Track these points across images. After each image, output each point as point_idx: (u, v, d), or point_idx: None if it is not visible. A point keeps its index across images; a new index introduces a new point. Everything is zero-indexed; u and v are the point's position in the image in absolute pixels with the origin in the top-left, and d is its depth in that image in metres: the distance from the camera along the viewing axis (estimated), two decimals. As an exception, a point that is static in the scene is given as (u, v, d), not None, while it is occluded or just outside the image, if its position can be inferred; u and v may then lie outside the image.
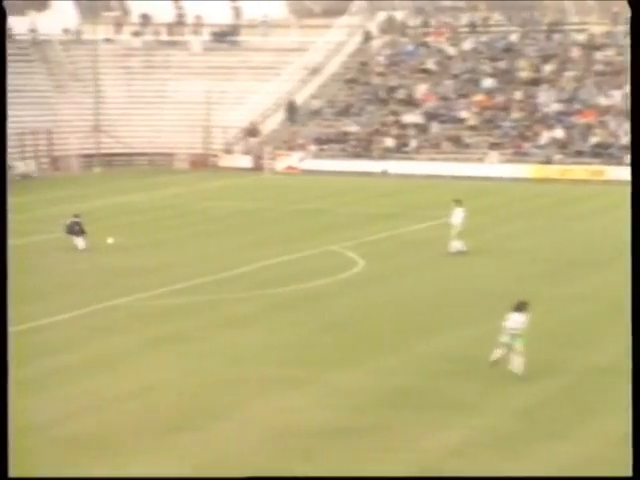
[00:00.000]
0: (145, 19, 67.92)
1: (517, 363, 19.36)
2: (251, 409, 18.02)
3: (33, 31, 64.10)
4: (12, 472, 14.78)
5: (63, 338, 22.79)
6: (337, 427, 17.09)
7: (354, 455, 15.87)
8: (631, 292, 10.30)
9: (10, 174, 53.25)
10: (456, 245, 32.33)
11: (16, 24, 63.82)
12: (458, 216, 32.53)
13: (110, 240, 34.06)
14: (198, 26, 67.01)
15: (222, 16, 67.85)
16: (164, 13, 67.85)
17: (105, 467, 15.38)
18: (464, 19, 66.05)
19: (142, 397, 18.70)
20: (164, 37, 66.64)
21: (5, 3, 10.55)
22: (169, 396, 18.74)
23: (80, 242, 33.64)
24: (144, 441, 16.43)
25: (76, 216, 34.24)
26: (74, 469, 15.27)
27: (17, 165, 54.69)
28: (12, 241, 38.38)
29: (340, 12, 65.95)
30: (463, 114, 58.30)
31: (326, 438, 16.58)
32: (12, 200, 44.86)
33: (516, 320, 19.30)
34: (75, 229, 33.81)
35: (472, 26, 65.16)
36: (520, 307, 19.43)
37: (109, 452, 15.96)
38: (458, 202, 32.89)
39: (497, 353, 19.49)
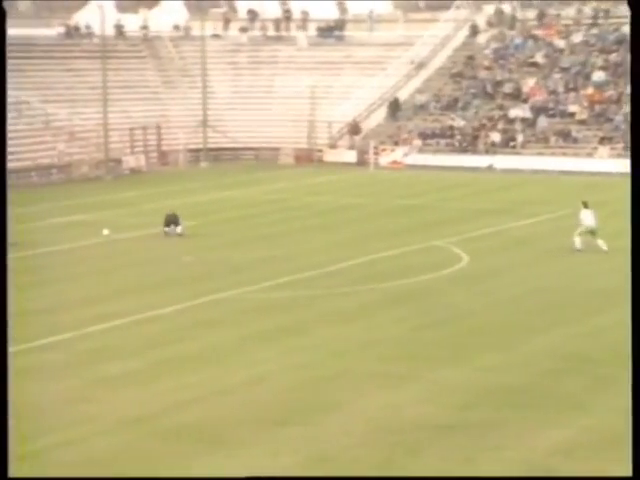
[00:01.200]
0: (252, 15, 68.44)
1: None
2: (355, 404, 18.01)
3: (144, 28, 65.21)
4: (84, 471, 15.03)
5: (170, 330, 23.11)
6: (442, 424, 16.96)
7: (459, 452, 15.72)
8: (631, 289, 10.04)
9: (120, 168, 54.31)
10: (599, 243, 31.35)
11: (128, 21, 65.07)
12: (589, 215, 31.65)
13: (106, 232, 34.67)
14: (304, 21, 67.26)
15: (328, 11, 67.95)
16: (271, 9, 68.28)
17: (210, 459, 15.53)
18: (574, 11, 64.84)
19: (247, 390, 18.85)
20: (271, 33, 67.06)
21: (5, 3, 10.70)
22: (274, 389, 18.85)
23: (179, 229, 34.62)
24: (249, 434, 16.54)
25: (171, 212, 35.21)
26: (179, 460, 15.47)
27: (127, 160, 55.67)
28: (121, 235, 39.44)
29: (446, 6, 65.40)
30: (572, 108, 57.27)
31: (431, 434, 16.47)
32: (122, 195, 46.12)
33: None
34: (172, 222, 34.89)
35: (583, 18, 63.94)
36: None
37: (214, 444, 16.12)
38: (585, 204, 32.09)
39: None
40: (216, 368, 20.12)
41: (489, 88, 60.13)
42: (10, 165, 59.77)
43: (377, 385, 19.03)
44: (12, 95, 54.65)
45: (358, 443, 16.10)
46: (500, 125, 57.20)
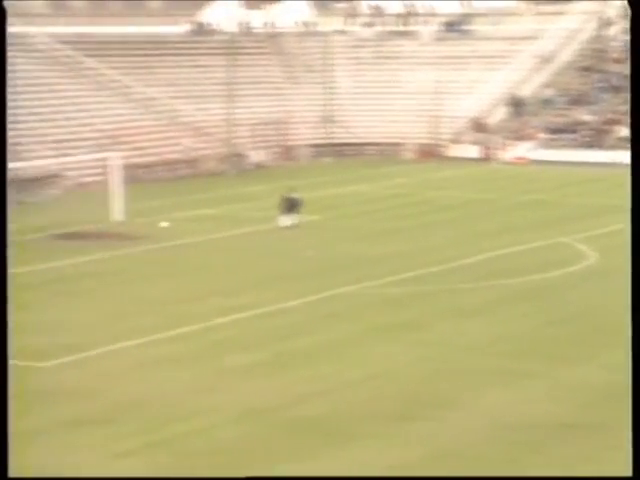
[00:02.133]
0: (376, 10, 68.49)
1: None
2: (478, 400, 17.92)
3: (269, 24, 65.93)
4: (209, 460, 15.25)
5: (294, 324, 23.36)
6: (565, 422, 16.75)
7: (582, 451, 15.51)
8: (631, 288, 10.00)
9: (244, 163, 55.03)
10: None
11: (253, 18, 65.89)
12: None
13: (164, 224, 35.13)
14: (428, 16, 66.97)
15: (453, 5, 67.50)
16: (394, 4, 68.18)
17: (332, 452, 15.65)
18: None
19: (369, 384, 18.94)
20: (394, 27, 66.97)
21: (6, 3, 11.02)
22: (396, 384, 18.90)
23: (293, 219, 35.10)
24: (370, 428, 16.62)
25: (291, 192, 35.73)
26: (302, 452, 15.63)
27: (251, 154, 56.36)
28: (245, 229, 39.81)
29: (575, -2, 64.26)
30: None
31: (555, 433, 16.27)
32: (246, 189, 46.50)
33: None
34: (289, 206, 35.42)
35: None
36: None
37: (335, 437, 16.24)
38: None
39: None
40: (339, 362, 20.26)
41: (618, 82, 58.85)
42: (138, 160, 60.82)
43: (500, 381, 18.89)
44: (139, 92, 55.97)
45: (481, 440, 16.02)
46: (629, 120, 55.94)
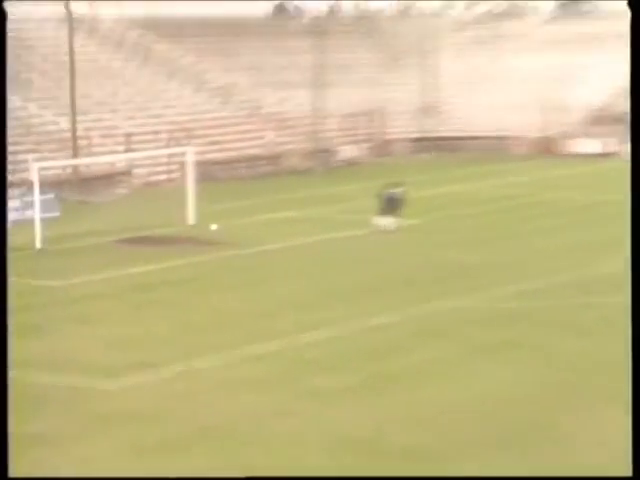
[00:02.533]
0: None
1: None
2: (591, 426, 17.70)
3: (361, 4, 66.05)
4: None
5: (389, 341, 23.27)
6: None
7: None
8: (631, 288, 10.29)
9: (333, 159, 55.09)
10: None
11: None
12: None
13: (214, 226, 35.74)
14: (542, -8, 66.47)
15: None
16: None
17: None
18: None
19: (474, 407, 18.80)
20: (499, 7, 66.52)
21: (5, 3, 12.02)
22: (503, 407, 18.75)
23: (391, 221, 34.94)
24: (476, 455, 16.48)
25: (390, 188, 35.51)
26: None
27: (341, 150, 56.38)
28: (332, 234, 39.63)
29: None
30: None
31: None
32: (335, 189, 46.25)
33: None
34: (388, 205, 35.22)
35: None
36: None
37: (439, 465, 16.13)
38: None
39: None
40: (440, 383, 20.16)
41: None
42: (214, 156, 61.44)
43: (616, 407, 18.54)
44: (216, 79, 56.42)
45: (596, 469, 15.75)
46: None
